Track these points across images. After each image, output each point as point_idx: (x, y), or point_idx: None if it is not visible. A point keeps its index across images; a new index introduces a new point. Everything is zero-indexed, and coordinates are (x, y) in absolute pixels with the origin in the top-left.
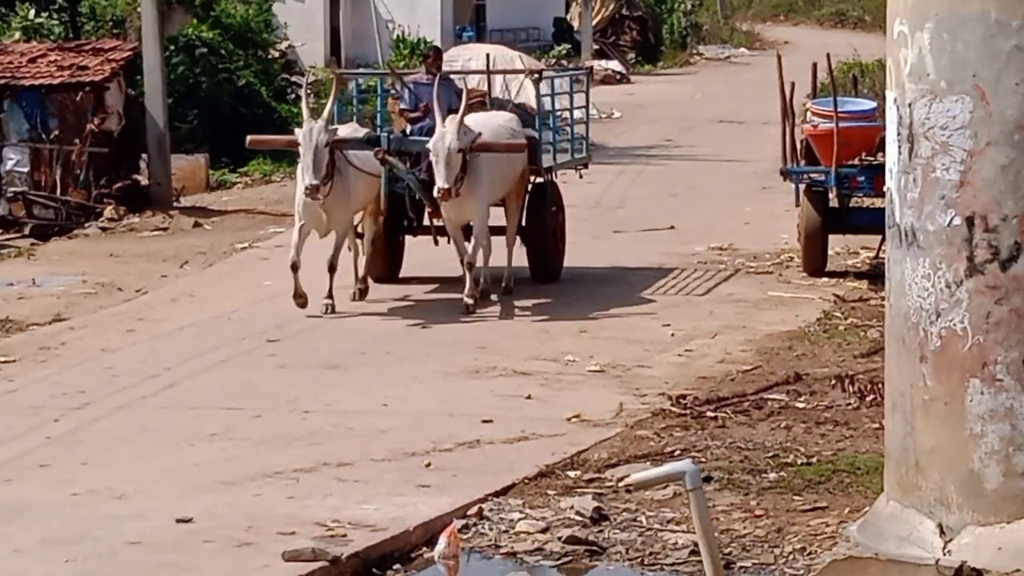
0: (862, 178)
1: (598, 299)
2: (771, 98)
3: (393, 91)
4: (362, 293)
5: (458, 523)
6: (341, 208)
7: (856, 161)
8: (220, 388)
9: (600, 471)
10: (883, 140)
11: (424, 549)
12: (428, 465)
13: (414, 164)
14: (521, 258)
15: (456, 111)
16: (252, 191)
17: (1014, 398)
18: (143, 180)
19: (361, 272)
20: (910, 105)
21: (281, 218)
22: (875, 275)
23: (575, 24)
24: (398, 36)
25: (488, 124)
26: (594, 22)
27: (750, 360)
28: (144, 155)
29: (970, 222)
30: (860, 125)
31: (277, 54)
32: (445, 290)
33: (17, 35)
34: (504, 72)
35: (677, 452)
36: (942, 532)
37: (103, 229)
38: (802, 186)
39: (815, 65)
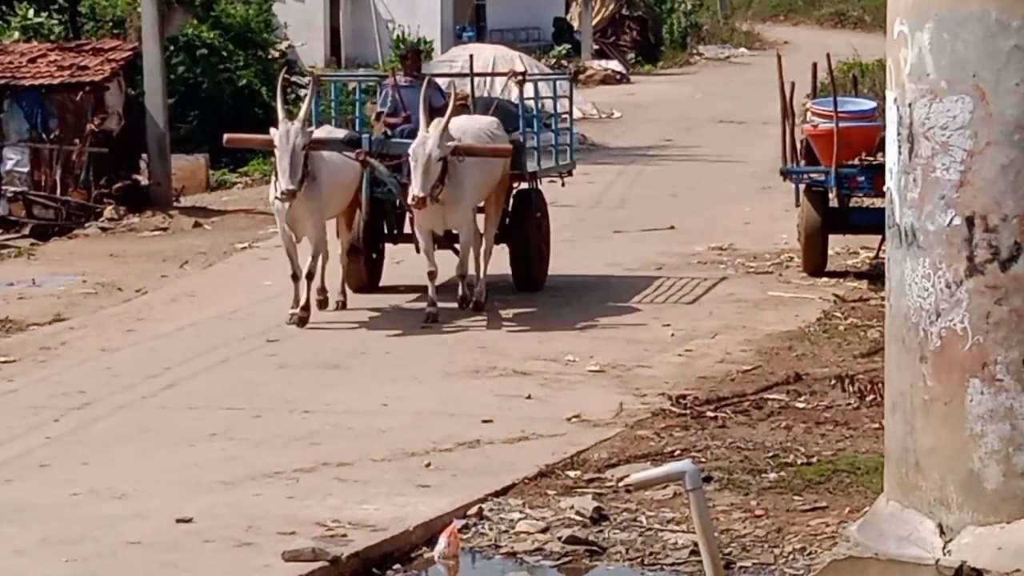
0: (862, 178)
1: (598, 299)
2: (771, 98)
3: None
4: (321, 304)
5: (458, 523)
6: (312, 213)
7: (856, 161)
8: (220, 388)
9: (600, 471)
10: (883, 140)
11: (424, 549)
12: (428, 465)
13: (396, 168)
14: (504, 266)
15: (440, 108)
16: (252, 191)
17: (1014, 398)
18: (143, 180)
19: (338, 283)
20: (910, 105)
21: None
22: (875, 275)
23: (575, 24)
24: (398, 36)
25: (469, 128)
26: (594, 22)
27: (750, 360)
28: (144, 155)
29: (970, 222)
30: (860, 125)
31: (277, 54)
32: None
33: (17, 35)
34: (486, 75)
35: (677, 452)
36: (942, 532)
37: (103, 229)
38: (802, 186)
39: (815, 65)
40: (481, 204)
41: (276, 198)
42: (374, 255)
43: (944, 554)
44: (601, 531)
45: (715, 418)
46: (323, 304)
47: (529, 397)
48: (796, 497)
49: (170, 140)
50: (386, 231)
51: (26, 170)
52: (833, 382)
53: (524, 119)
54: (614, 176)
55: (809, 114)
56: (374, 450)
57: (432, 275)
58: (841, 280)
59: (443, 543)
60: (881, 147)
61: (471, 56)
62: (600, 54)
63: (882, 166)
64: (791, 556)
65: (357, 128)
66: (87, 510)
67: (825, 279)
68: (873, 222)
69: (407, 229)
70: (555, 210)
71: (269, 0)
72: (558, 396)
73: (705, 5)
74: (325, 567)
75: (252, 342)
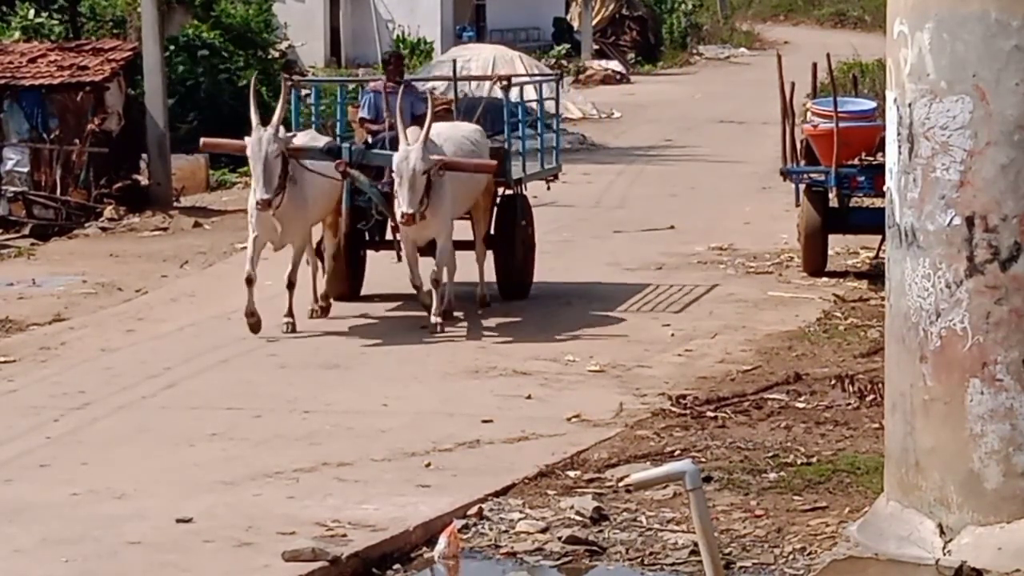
0: (862, 178)
1: (598, 299)
2: (771, 98)
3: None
4: (323, 311)
5: (458, 523)
6: (296, 219)
7: (856, 161)
8: (220, 388)
9: (600, 471)
10: (883, 140)
11: (424, 549)
12: (428, 465)
13: (377, 177)
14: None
15: (421, 116)
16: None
17: (1014, 398)
18: (143, 180)
19: (321, 289)
20: (910, 105)
21: None
22: (875, 275)
23: (575, 24)
24: (398, 36)
25: (452, 135)
26: (594, 22)
27: (750, 360)
28: (144, 155)
29: (970, 222)
30: (860, 125)
31: (277, 54)
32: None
33: (17, 35)
34: (471, 79)
35: (677, 452)
36: (942, 532)
37: (103, 229)
38: (802, 186)
39: (815, 65)
40: (467, 212)
41: (254, 205)
42: (355, 264)
43: (944, 554)
44: (601, 531)
45: (715, 418)
46: (326, 311)
47: (529, 397)
48: (796, 497)
49: (170, 140)
50: (367, 238)
51: (26, 170)
52: (833, 382)
53: (509, 124)
54: (614, 176)
55: (809, 114)
56: (374, 450)
57: (419, 288)
58: (841, 280)
59: (443, 543)
60: (881, 147)
61: (454, 61)
62: (600, 54)
63: (882, 166)
64: (791, 556)
65: (338, 133)
66: (87, 510)
67: (825, 279)
68: (873, 222)
69: (388, 236)
70: (555, 210)
71: (269, 0)
72: (558, 396)
73: (705, 5)
74: (325, 567)
75: (252, 342)
